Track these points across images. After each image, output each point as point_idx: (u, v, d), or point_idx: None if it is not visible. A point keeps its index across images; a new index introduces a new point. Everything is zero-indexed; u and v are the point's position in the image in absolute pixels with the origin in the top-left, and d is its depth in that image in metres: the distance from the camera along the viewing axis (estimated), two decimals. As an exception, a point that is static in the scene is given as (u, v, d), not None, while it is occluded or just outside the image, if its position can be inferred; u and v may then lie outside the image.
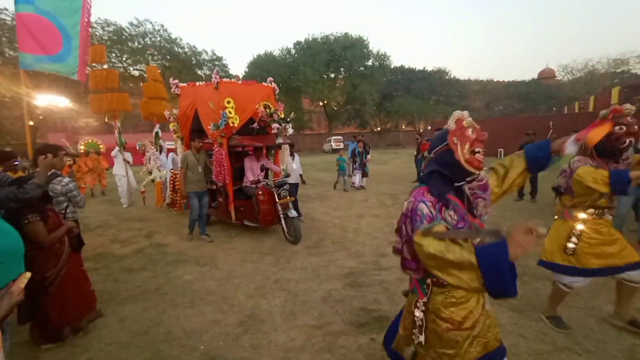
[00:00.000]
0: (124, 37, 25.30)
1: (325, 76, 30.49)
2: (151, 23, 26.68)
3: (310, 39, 30.63)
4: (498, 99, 40.95)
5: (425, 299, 1.39)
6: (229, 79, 5.23)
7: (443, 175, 1.35)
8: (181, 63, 26.83)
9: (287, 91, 31.52)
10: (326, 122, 36.90)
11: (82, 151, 9.83)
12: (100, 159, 9.70)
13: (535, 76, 45.08)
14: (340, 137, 28.75)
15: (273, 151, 5.98)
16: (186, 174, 4.84)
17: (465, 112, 1.37)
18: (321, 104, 34.13)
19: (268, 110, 5.19)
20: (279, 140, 5.38)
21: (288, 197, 4.91)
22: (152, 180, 8.20)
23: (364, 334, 2.57)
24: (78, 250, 2.77)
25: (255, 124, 5.18)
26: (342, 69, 31.19)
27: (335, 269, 3.84)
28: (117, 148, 7.66)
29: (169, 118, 6.22)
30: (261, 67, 28.40)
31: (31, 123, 9.50)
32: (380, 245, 4.58)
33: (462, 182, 1.37)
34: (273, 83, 5.77)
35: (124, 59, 26.69)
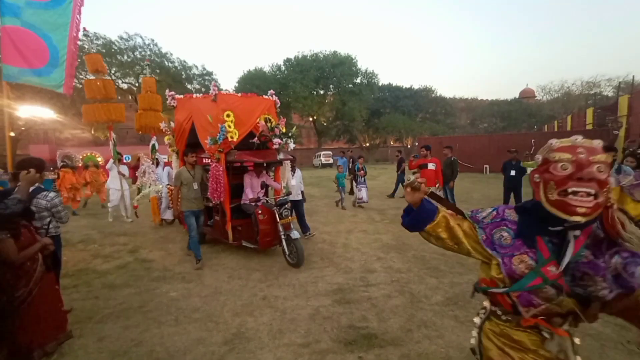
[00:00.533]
0: (113, 50, 25.37)
1: (315, 92, 31.07)
2: (141, 37, 26.92)
3: (300, 56, 31.34)
4: (482, 116, 42.46)
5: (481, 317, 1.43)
6: (228, 91, 4.93)
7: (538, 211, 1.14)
8: (171, 77, 26.97)
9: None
10: (316, 137, 37.32)
11: (80, 165, 9.52)
12: (99, 172, 9.32)
13: (517, 95, 47.11)
14: (330, 152, 29.02)
15: (273, 167, 5.67)
16: (180, 191, 4.59)
17: (556, 142, 1.12)
18: (311, 119, 34.56)
19: (269, 125, 4.96)
20: (281, 155, 5.05)
21: (290, 217, 4.62)
22: (145, 195, 7.83)
23: (352, 352, 2.54)
24: (53, 268, 2.66)
25: (256, 138, 4.94)
26: (331, 86, 31.87)
27: (323, 285, 3.81)
28: (111, 160, 7.47)
29: (165, 130, 5.92)
30: (251, 82, 28.76)
31: (12, 134, 9.30)
32: (369, 261, 4.59)
33: (560, 227, 1.11)
34: (274, 96, 5.48)
35: (113, 72, 26.66)
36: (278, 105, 5.53)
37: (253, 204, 4.68)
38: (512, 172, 7.01)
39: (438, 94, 39.02)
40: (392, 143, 40.88)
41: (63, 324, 2.70)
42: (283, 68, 31.39)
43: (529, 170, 7.15)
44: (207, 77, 29.73)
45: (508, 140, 17.86)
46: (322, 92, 32.18)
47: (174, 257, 5.01)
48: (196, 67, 29.80)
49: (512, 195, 7.11)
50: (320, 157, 29.60)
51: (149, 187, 7.67)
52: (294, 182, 5.73)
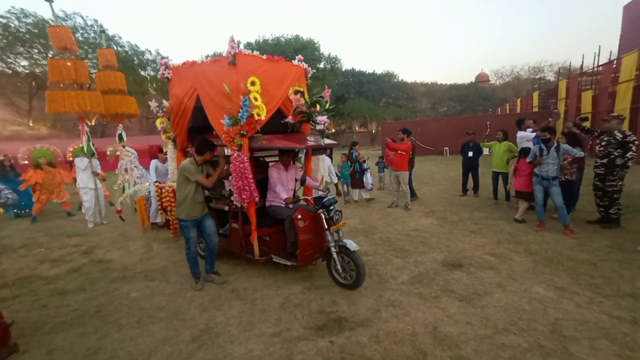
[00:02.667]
0: (47, 31, 22.67)
1: (278, 78, 30.32)
2: (82, 17, 24.33)
3: (260, 40, 30.31)
4: (442, 100, 44.19)
5: None
6: (250, 51, 3.53)
7: None
8: (121, 63, 24.80)
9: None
10: (281, 124, 36.62)
11: (25, 162, 7.69)
12: (57, 172, 7.49)
13: (473, 79, 49.50)
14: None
15: (302, 157, 4.61)
16: (178, 192, 3.49)
17: None
18: (275, 106, 33.77)
19: (309, 99, 3.79)
20: (326, 140, 3.76)
21: (342, 222, 3.48)
22: (130, 196, 6.69)
23: (322, 337, 2.57)
24: None
25: (290, 117, 3.84)
26: (294, 71, 31.23)
27: (292, 273, 3.81)
28: (84, 159, 6.49)
29: (156, 112, 4.53)
30: (211, 67, 27.37)
31: None
32: (338, 245, 4.65)
33: None
34: (304, 63, 4.28)
35: (50, 55, 23.94)
36: (309, 74, 4.37)
37: (290, 205, 3.59)
38: (470, 154, 7.39)
39: (400, 79, 39.78)
40: (357, 129, 41.37)
41: (5, 338, 2.45)
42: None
43: (485, 151, 7.63)
44: (162, 63, 27.82)
45: (466, 122, 18.75)
46: (285, 77, 31.53)
47: (135, 255, 4.73)
48: (149, 52, 27.65)
49: (470, 175, 7.53)
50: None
51: (134, 185, 6.57)
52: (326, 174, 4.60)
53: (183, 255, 4.62)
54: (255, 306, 3.12)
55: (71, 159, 7.30)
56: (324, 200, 3.46)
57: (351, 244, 3.29)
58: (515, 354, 2.29)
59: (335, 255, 3.35)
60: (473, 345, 2.40)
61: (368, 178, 7.34)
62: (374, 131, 38.62)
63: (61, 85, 6.05)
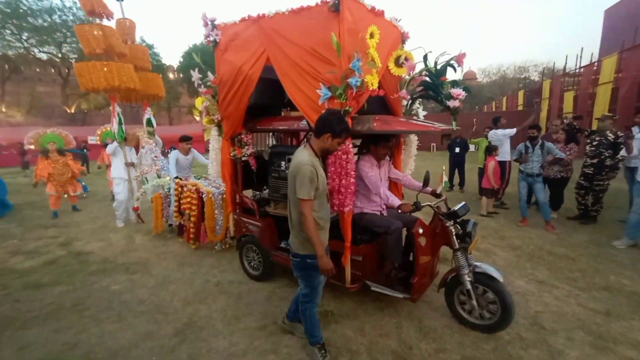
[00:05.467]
0: (21, 10, 21.41)
1: (267, 68, 29.95)
2: (59, -3, 23.05)
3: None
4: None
5: None
6: None
7: None
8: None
9: (227, 83, 30.14)
10: (269, 116, 36.22)
11: (30, 148, 6.62)
12: (67, 161, 6.47)
13: (461, 77, 50.12)
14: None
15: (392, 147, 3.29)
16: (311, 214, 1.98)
17: None
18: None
19: (432, 67, 2.63)
20: (447, 125, 2.90)
21: (475, 238, 2.58)
22: (148, 191, 5.47)
23: (309, 330, 2.56)
24: None
25: (403, 92, 2.86)
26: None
27: (279, 266, 3.76)
28: (115, 143, 5.54)
29: (198, 86, 3.41)
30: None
31: None
32: (325, 239, 4.63)
33: None
34: (400, 22, 3.07)
35: (25, 37, 22.73)
36: (407, 40, 3.18)
37: (403, 212, 2.59)
38: (457, 150, 7.49)
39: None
40: (346, 122, 41.27)
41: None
42: (232, 42, 29.59)
43: (471, 147, 7.75)
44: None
45: (452, 119, 18.99)
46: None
47: (116, 247, 4.58)
48: (133, 38, 26.68)
49: (456, 171, 7.64)
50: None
51: (153, 179, 5.38)
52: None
53: (167, 248, 4.54)
54: (241, 300, 3.07)
55: (109, 142, 6.08)
56: (457, 209, 2.56)
57: (493, 271, 2.43)
58: (497, 346, 2.34)
59: (469, 285, 2.47)
60: (457, 338, 2.43)
61: None
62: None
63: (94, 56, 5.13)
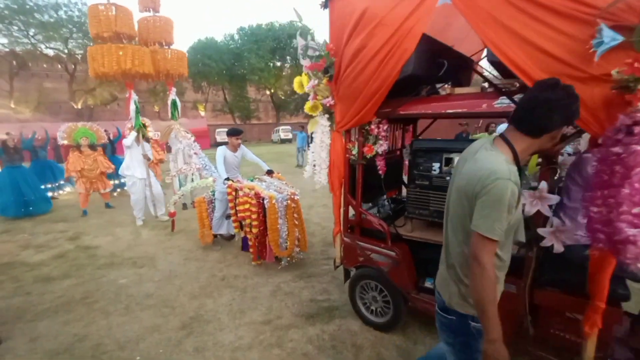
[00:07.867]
0: (28, 6, 21.52)
1: (271, 64, 29.94)
2: (66, -8, 23.16)
3: (254, 25, 29.68)
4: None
5: None
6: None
7: None
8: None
9: (231, 78, 30.15)
10: (274, 111, 36.25)
11: (64, 144, 6.29)
12: (97, 157, 6.22)
13: (466, 72, 49.61)
14: (289, 127, 28.46)
15: None
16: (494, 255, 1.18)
17: None
18: (268, 92, 33.39)
19: None
20: None
21: None
22: (187, 194, 4.95)
23: (313, 325, 2.57)
24: None
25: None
26: (288, 57, 30.81)
27: (284, 261, 3.79)
28: (132, 134, 5.01)
29: (302, 57, 2.39)
30: (202, 52, 26.78)
31: None
32: (329, 235, 4.63)
33: None
34: None
35: (31, 34, 22.86)
36: None
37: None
38: (462, 145, 7.42)
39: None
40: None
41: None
42: (237, 37, 29.55)
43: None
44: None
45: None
46: (278, 63, 31.05)
47: (123, 241, 4.64)
48: (140, 33, 26.71)
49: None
50: (279, 132, 28.85)
51: (192, 180, 4.80)
52: None
53: (173, 242, 4.59)
54: (246, 294, 3.09)
55: (82, 142, 6.10)
56: None
57: None
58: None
59: None
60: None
61: None
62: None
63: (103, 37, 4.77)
